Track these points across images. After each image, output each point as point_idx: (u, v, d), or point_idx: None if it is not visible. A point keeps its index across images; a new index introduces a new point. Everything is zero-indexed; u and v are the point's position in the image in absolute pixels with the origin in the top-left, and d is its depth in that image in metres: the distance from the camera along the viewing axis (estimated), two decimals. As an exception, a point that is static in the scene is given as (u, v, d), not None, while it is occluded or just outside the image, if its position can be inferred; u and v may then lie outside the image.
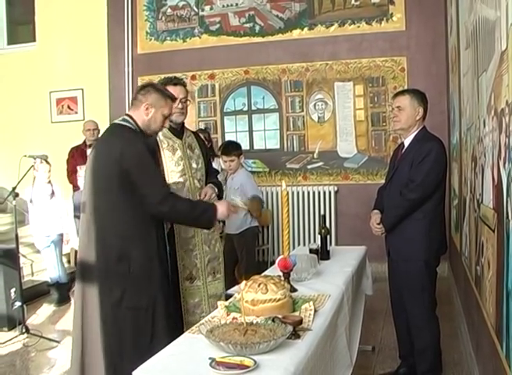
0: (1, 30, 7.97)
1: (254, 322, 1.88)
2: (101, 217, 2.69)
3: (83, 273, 2.79)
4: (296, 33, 6.62)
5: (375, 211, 3.37)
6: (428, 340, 3.16)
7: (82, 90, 7.38)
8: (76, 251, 5.82)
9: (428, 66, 6.17)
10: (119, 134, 2.77)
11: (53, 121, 7.53)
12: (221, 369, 1.59)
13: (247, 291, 2.07)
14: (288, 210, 2.45)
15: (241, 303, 1.97)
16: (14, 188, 4.50)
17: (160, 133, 3.11)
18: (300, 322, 1.91)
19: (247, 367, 1.60)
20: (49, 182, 5.48)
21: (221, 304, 2.22)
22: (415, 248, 3.12)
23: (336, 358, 2.33)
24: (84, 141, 6.27)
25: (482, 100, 2.79)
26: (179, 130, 3.30)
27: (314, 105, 6.58)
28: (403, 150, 3.25)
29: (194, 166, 3.27)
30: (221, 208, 2.84)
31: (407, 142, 3.24)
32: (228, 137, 6.72)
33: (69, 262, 6.43)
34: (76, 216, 5.41)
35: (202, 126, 6.79)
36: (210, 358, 1.64)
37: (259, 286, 2.07)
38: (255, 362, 1.62)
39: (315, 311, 2.11)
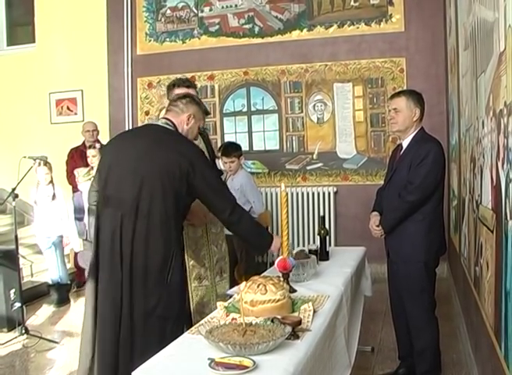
0: (1, 31, 7.97)
1: (254, 322, 1.89)
2: (153, 221, 2.59)
3: (102, 275, 2.66)
4: (295, 35, 6.63)
5: (374, 213, 3.37)
6: (428, 340, 3.16)
7: (81, 91, 7.38)
8: (75, 253, 5.86)
9: (427, 66, 6.18)
10: (178, 140, 2.77)
11: (52, 122, 7.53)
12: (220, 369, 1.59)
13: (246, 292, 2.08)
14: (287, 211, 2.46)
15: (240, 304, 1.97)
16: (13, 189, 4.51)
17: None
18: (299, 322, 1.92)
19: (246, 368, 1.60)
20: (51, 183, 5.49)
21: (220, 304, 2.23)
22: (414, 250, 3.12)
23: (335, 358, 2.33)
24: (84, 142, 6.27)
25: (481, 101, 2.80)
26: None
27: (314, 106, 6.58)
28: (402, 151, 3.25)
29: None
30: (277, 241, 2.83)
31: (405, 144, 3.24)
32: (227, 138, 6.73)
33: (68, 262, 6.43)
34: (77, 218, 5.42)
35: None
36: (209, 359, 1.65)
37: (258, 287, 2.07)
38: (254, 362, 1.63)
39: (314, 311, 2.11)
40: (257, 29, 6.77)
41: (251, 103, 6.81)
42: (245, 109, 6.84)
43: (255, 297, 2.05)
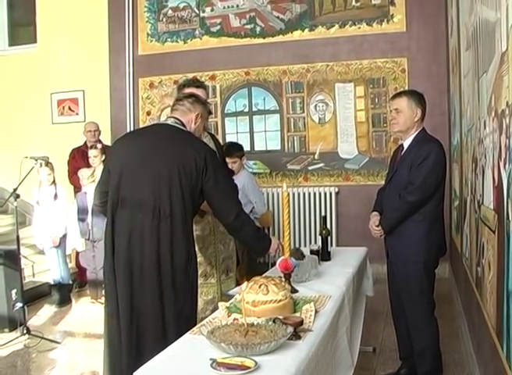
0: (3, 31, 7.98)
1: (255, 323, 1.89)
2: (175, 222, 2.59)
3: (120, 277, 2.62)
4: (296, 35, 6.63)
5: (374, 213, 3.37)
6: (428, 341, 3.16)
7: (83, 91, 7.38)
8: (77, 253, 5.87)
9: (429, 67, 6.18)
10: (191, 137, 2.78)
11: (54, 122, 7.53)
12: (222, 370, 1.59)
13: (247, 292, 2.07)
14: (289, 211, 2.46)
15: (242, 304, 1.97)
16: (15, 189, 4.51)
17: None
18: (301, 323, 1.92)
19: (248, 368, 1.60)
20: (53, 184, 5.50)
21: (222, 305, 2.23)
22: (414, 250, 3.11)
23: (338, 359, 2.33)
24: (85, 143, 6.27)
25: (483, 101, 2.80)
26: None
27: (315, 106, 6.58)
28: (403, 152, 3.24)
29: None
30: (274, 242, 2.88)
31: (406, 144, 3.23)
32: (229, 139, 6.72)
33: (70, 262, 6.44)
34: (80, 219, 5.43)
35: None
36: (211, 359, 1.65)
37: (260, 287, 2.07)
38: (256, 363, 1.63)
39: (316, 312, 2.11)
40: (258, 29, 6.77)
41: (253, 103, 6.81)
42: (246, 109, 6.84)
43: (257, 297, 2.05)
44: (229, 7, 6.87)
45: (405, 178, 3.12)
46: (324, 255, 3.25)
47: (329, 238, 3.37)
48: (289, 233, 2.47)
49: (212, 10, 6.94)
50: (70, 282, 5.76)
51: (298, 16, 6.62)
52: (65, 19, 7.34)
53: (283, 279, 2.35)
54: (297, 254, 2.79)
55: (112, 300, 2.64)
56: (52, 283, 5.60)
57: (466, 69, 3.83)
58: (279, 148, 6.73)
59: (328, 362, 2.11)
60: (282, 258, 2.45)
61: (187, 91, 3.28)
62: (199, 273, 3.22)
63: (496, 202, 2.35)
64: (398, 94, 3.30)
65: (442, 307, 3.50)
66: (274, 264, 2.74)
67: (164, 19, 7.12)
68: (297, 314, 2.07)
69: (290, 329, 1.82)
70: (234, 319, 2.01)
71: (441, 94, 5.99)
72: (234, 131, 6.88)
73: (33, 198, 5.59)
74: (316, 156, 6.58)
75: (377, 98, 6.37)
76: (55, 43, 7.47)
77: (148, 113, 7.17)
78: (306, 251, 3.20)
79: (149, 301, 2.56)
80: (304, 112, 6.62)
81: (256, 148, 6.80)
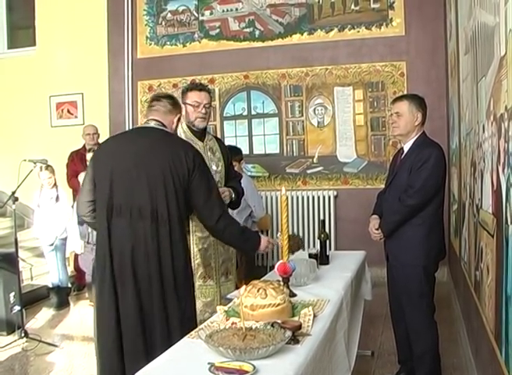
0: (2, 34, 7.99)
1: (254, 327, 1.88)
2: (173, 225, 2.59)
3: (121, 285, 2.59)
4: (295, 38, 6.64)
5: (374, 216, 3.37)
6: (427, 345, 3.15)
7: (82, 94, 7.39)
8: (76, 256, 5.86)
9: (428, 71, 6.19)
10: (178, 139, 2.82)
11: (53, 125, 7.54)
12: (220, 374, 1.59)
13: (246, 296, 2.07)
14: (287, 215, 2.45)
15: (240, 308, 1.96)
16: (13, 192, 4.51)
17: (183, 136, 3.23)
18: (300, 327, 1.92)
19: (246, 372, 1.59)
20: (54, 186, 5.49)
21: (220, 309, 2.22)
22: (414, 254, 3.11)
23: (335, 363, 2.32)
24: (84, 146, 6.27)
25: (481, 105, 2.80)
26: (200, 133, 3.37)
27: (314, 109, 6.59)
28: (403, 155, 3.25)
29: (214, 168, 3.32)
30: (264, 240, 2.85)
31: (406, 148, 3.24)
32: (227, 142, 6.68)
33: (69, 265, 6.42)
34: (79, 222, 5.41)
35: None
36: (209, 363, 1.64)
37: (258, 291, 2.07)
38: (254, 367, 1.62)
39: (314, 316, 2.11)
40: (257, 32, 6.78)
41: (252, 107, 6.81)
42: (245, 113, 6.85)
43: (255, 301, 2.04)
44: (228, 10, 6.88)
45: (405, 181, 3.12)
46: (322, 258, 3.25)
47: (328, 242, 3.36)
48: (288, 236, 2.47)
49: (211, 13, 6.95)
50: (69, 285, 5.75)
51: (297, 20, 6.63)
52: (64, 22, 7.35)
53: (282, 283, 2.34)
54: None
55: (111, 309, 2.58)
56: (51, 286, 5.59)
57: (465, 73, 3.83)
58: (277, 151, 6.73)
59: (325, 367, 2.10)
60: (281, 261, 2.45)
61: (190, 94, 3.28)
62: (198, 274, 3.23)
63: (494, 206, 2.35)
64: (399, 98, 3.30)
65: (441, 311, 3.50)
66: (273, 267, 2.74)
67: (163, 23, 7.14)
68: (296, 318, 2.07)
69: (289, 333, 1.81)
70: (232, 323, 2.00)
71: (440, 97, 6.00)
72: (233, 135, 6.88)
73: (33, 201, 5.59)
74: (315, 160, 6.59)
75: (376, 102, 6.38)
76: (54, 46, 7.48)
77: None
78: (305, 255, 3.20)
79: (155, 303, 2.57)
80: (302, 115, 6.63)
81: (255, 152, 6.81)
